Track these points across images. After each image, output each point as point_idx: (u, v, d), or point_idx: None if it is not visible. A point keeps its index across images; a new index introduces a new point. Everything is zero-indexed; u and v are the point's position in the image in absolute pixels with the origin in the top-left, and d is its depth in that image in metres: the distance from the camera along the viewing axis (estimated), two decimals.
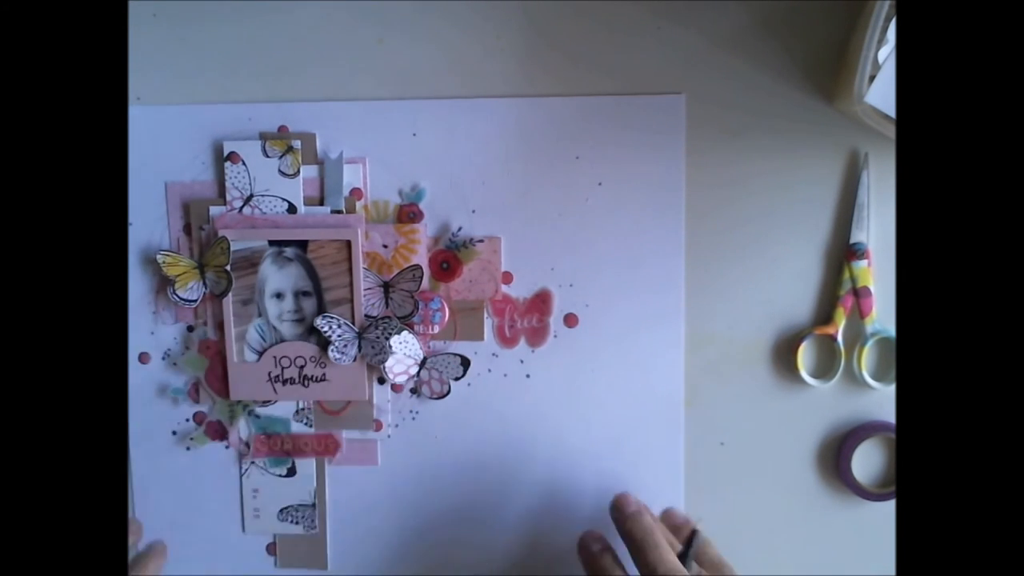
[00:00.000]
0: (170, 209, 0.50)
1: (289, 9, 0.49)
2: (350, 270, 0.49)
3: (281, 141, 0.49)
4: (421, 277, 0.49)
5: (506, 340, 0.50)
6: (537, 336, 0.50)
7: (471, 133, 0.49)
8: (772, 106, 0.47)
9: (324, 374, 0.50)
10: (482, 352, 0.50)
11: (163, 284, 0.50)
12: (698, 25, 0.47)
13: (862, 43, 0.41)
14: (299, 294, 0.50)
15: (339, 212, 0.49)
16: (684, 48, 0.48)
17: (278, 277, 0.50)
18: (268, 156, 0.49)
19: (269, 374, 0.50)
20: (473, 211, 0.49)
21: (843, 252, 0.48)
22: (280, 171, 0.49)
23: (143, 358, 0.52)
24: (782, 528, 0.50)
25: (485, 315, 0.50)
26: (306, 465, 0.52)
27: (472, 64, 0.49)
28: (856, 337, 0.48)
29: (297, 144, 0.49)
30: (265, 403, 0.51)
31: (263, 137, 0.49)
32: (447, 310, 0.50)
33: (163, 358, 0.51)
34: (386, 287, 0.50)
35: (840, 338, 0.48)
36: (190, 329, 0.51)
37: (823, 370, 0.49)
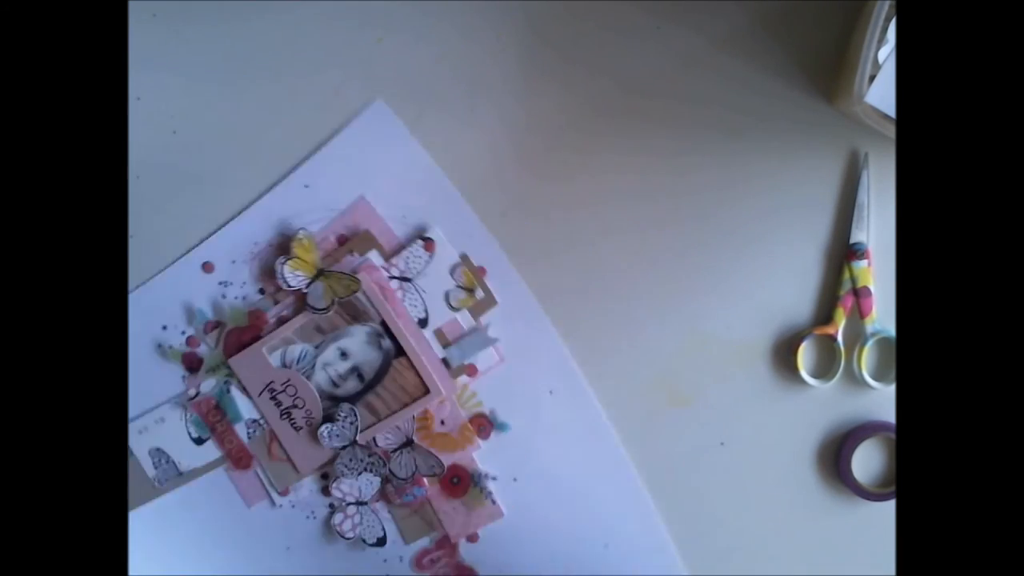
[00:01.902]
0: (347, 216, 0.50)
1: (289, 9, 0.49)
2: (404, 408, 0.50)
3: (470, 278, 0.49)
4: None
5: None
6: None
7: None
8: (772, 106, 0.47)
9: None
10: None
11: (280, 251, 0.50)
12: (697, 26, 0.47)
13: (862, 43, 0.41)
14: (356, 371, 0.50)
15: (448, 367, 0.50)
16: (684, 48, 0.48)
17: (358, 346, 0.50)
18: (453, 282, 0.49)
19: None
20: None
21: (843, 252, 0.48)
22: (447, 299, 0.49)
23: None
24: (782, 528, 0.50)
25: None
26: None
27: (472, 64, 0.49)
28: (856, 337, 0.48)
29: (480, 295, 0.49)
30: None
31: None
32: (423, 503, 0.50)
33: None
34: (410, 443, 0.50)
35: (840, 338, 0.48)
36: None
37: (823, 370, 0.49)
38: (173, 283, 0.51)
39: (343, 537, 0.51)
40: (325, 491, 0.51)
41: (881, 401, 0.48)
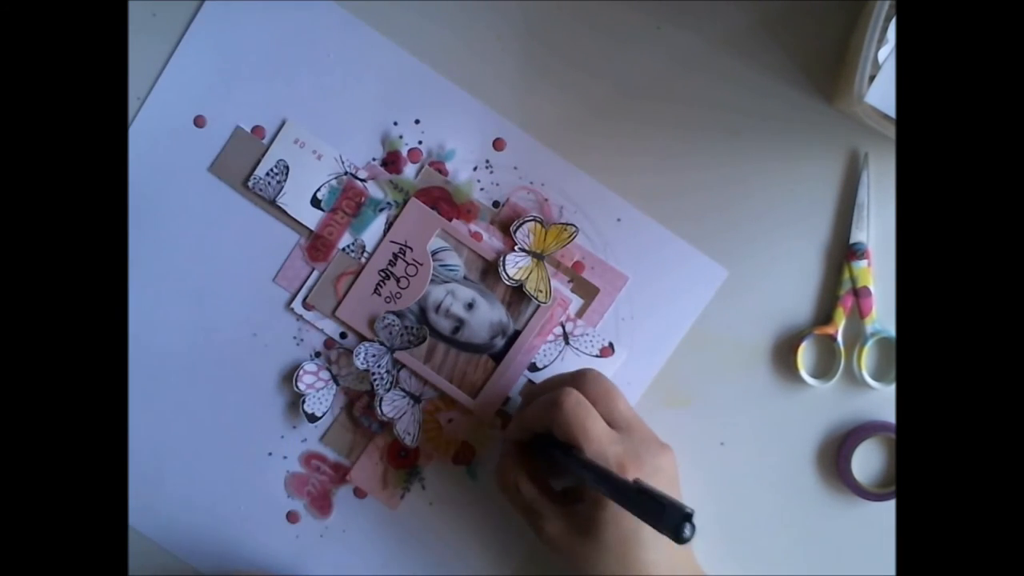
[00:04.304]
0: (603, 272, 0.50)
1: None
2: (448, 383, 0.49)
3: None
4: None
5: None
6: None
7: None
8: (772, 106, 0.47)
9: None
10: None
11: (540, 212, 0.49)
12: (697, 26, 0.47)
13: (862, 43, 0.41)
14: (460, 324, 0.49)
15: None
16: (684, 49, 0.48)
17: (486, 317, 0.49)
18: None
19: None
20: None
21: (843, 252, 0.48)
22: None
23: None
24: (782, 528, 0.50)
25: None
26: None
27: (471, 65, 0.49)
28: (856, 337, 0.48)
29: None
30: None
31: None
32: (368, 438, 0.50)
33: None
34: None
35: (840, 338, 0.48)
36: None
37: (823, 370, 0.49)
38: (463, 108, 0.49)
39: (294, 384, 0.50)
40: (329, 343, 0.50)
41: (881, 401, 0.48)
